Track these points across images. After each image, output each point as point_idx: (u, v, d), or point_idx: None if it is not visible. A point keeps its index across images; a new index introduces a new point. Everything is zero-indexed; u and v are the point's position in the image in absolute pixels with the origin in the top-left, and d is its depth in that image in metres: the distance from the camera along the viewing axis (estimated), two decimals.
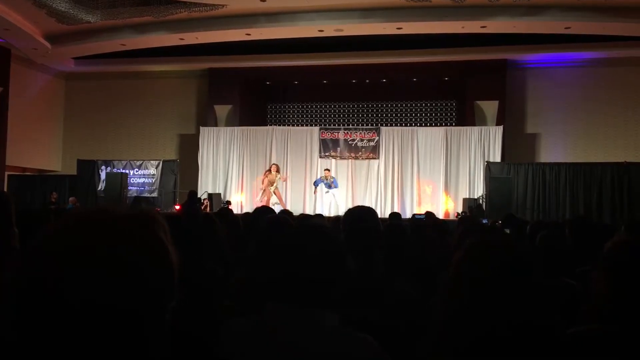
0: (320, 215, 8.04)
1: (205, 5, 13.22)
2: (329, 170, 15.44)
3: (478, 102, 16.18)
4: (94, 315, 0.77)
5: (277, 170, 15.55)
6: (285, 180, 15.96)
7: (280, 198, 15.43)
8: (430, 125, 17.44)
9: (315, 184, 15.41)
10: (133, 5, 13.29)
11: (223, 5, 13.24)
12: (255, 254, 2.83)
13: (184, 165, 16.93)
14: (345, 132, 16.34)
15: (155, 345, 0.83)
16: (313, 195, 15.82)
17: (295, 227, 1.95)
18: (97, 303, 0.77)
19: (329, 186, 15.14)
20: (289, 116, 18.88)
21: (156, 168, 16.88)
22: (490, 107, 16.09)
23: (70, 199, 15.48)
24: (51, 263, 0.79)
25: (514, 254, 1.33)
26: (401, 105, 18.07)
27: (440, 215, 13.88)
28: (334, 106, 18.45)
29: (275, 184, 15.36)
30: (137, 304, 0.80)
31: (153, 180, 16.85)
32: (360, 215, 2.63)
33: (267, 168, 15.74)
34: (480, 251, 1.35)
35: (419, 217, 9.79)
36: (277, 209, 14.54)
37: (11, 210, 1.98)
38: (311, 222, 1.79)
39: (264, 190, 15.32)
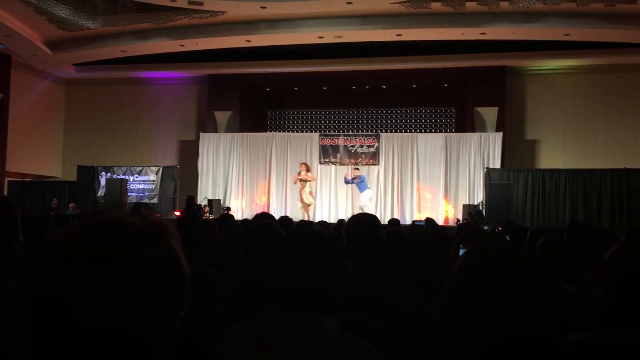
0: (323, 223, 8.02)
1: (206, 11, 13.26)
2: (357, 169, 15.06)
3: (477, 108, 16.21)
4: (105, 325, 0.77)
5: (307, 170, 15.16)
6: (315, 180, 15.43)
7: (305, 205, 14.89)
8: (430, 131, 17.46)
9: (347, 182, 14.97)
10: (133, 11, 13.32)
11: (223, 12, 13.28)
12: (242, 261, 2.83)
13: (183, 171, 16.92)
14: (345, 138, 16.34)
15: (165, 354, 0.84)
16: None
17: (289, 233, 1.95)
18: (109, 313, 0.77)
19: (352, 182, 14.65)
20: (288, 122, 18.90)
21: (156, 174, 16.88)
22: (489, 114, 16.11)
23: (70, 205, 15.50)
24: (63, 273, 0.78)
25: (515, 262, 1.34)
26: (401, 112, 18.10)
27: (440, 221, 13.86)
28: (334, 112, 18.47)
29: (305, 186, 14.96)
30: (149, 313, 0.80)
31: (153, 187, 16.85)
32: (363, 222, 2.64)
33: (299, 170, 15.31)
34: (481, 259, 1.35)
35: (419, 223, 9.79)
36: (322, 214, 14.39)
37: (17, 218, 1.96)
38: (307, 229, 1.79)
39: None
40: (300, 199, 15.08)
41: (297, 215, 14.25)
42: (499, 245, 1.42)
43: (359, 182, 14.57)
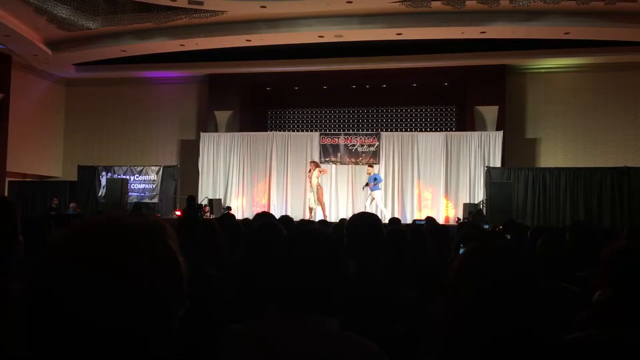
0: (324, 222, 8.01)
1: (206, 11, 13.26)
2: (371, 166, 15.07)
3: (478, 107, 16.20)
4: (105, 325, 0.77)
5: (316, 167, 15.05)
6: (325, 172, 15.28)
7: (321, 203, 14.78)
8: (430, 130, 17.46)
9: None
10: (134, 11, 13.33)
11: (223, 12, 13.29)
12: (244, 260, 2.83)
13: (184, 171, 16.94)
14: (346, 137, 16.34)
15: (165, 354, 0.84)
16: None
17: (289, 233, 1.95)
18: (109, 313, 0.77)
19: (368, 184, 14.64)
20: (289, 122, 18.90)
21: (157, 174, 16.88)
22: (490, 112, 16.11)
23: (71, 204, 15.49)
24: (63, 273, 0.78)
25: (515, 261, 1.33)
26: (401, 111, 18.09)
27: (440, 220, 13.85)
28: (334, 111, 18.46)
29: (316, 184, 14.83)
30: (149, 313, 0.80)
31: (153, 186, 16.85)
32: (364, 222, 2.64)
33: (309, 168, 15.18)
34: (480, 259, 1.35)
35: (420, 222, 9.78)
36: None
37: (16, 218, 1.96)
38: (308, 228, 1.78)
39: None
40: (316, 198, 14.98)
41: (297, 214, 14.25)
42: (498, 244, 1.41)
43: (372, 181, 14.60)
